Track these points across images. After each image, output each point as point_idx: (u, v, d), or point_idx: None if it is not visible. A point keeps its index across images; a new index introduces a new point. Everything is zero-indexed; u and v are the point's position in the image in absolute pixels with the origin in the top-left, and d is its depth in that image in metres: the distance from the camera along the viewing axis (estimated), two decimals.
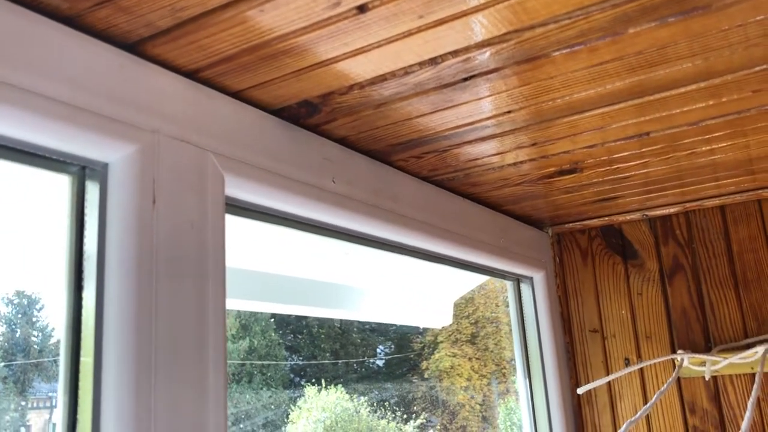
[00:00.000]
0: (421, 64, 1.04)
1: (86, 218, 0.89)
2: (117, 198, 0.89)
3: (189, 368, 0.90)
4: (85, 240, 0.89)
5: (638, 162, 1.60)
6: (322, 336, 20.79)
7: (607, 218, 2.12)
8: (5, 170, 0.99)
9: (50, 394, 17.11)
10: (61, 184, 0.90)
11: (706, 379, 1.90)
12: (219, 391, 0.94)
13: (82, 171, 0.90)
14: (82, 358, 0.86)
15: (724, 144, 1.51)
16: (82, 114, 0.84)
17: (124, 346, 0.85)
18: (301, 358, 20.73)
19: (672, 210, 2.04)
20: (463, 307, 19.16)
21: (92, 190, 0.90)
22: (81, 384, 0.85)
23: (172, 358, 0.88)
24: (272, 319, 19.72)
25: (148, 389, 0.85)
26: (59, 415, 0.86)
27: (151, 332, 0.87)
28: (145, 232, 0.89)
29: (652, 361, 1.97)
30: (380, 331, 21.75)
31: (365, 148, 1.37)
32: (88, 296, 0.87)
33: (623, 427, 1.35)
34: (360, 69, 1.03)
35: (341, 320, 20.81)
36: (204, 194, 0.98)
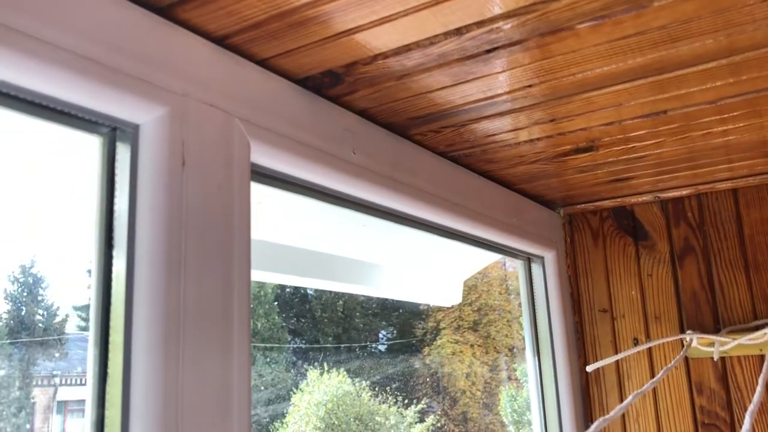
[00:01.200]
0: (446, 35, 1.05)
1: (117, 179, 0.91)
2: (147, 159, 0.90)
3: (215, 327, 0.92)
4: (116, 200, 0.90)
5: (653, 141, 1.61)
6: (325, 320, 20.88)
7: (619, 199, 2.13)
8: (37, 130, 1.01)
9: (54, 372, 17.25)
10: (92, 145, 0.91)
11: (715, 359, 1.92)
12: (243, 353, 0.96)
13: (113, 132, 0.91)
14: (112, 316, 0.88)
15: (741, 124, 1.51)
16: (115, 74, 0.86)
17: (153, 305, 0.86)
18: (303, 342, 20.83)
19: (684, 192, 2.05)
20: (466, 294, 19.21)
21: (123, 151, 0.91)
22: (111, 340, 0.87)
23: (200, 318, 0.90)
24: (276, 303, 19.81)
25: (177, 347, 0.87)
26: (89, 370, 0.89)
27: (179, 291, 0.88)
28: (175, 193, 0.90)
29: (661, 341, 1.99)
30: (383, 316, 21.83)
31: (385, 121, 1.38)
32: (118, 255, 0.89)
33: (630, 398, 1.36)
34: (386, 38, 1.04)
35: (344, 305, 20.90)
36: (230, 159, 1.00)
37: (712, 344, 1.90)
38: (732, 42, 1.12)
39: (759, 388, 1.28)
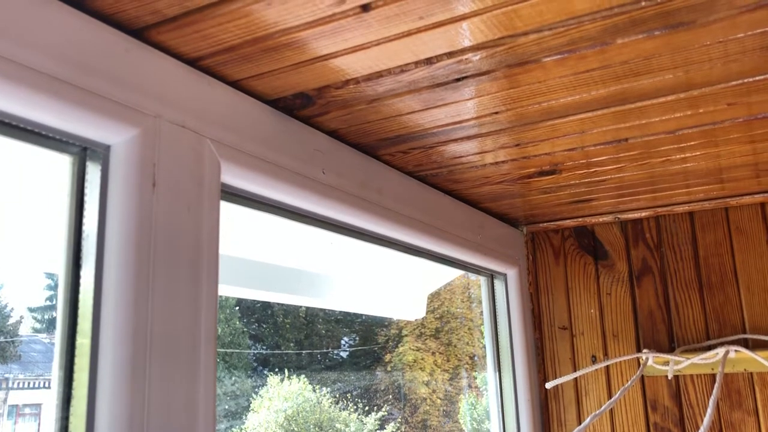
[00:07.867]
0: (417, 63, 1.07)
1: (86, 198, 0.91)
2: (118, 180, 0.91)
3: (182, 348, 0.93)
4: (85, 220, 0.90)
5: (615, 166, 1.65)
6: (287, 326, 20.77)
7: (580, 219, 2.18)
8: (8, 148, 1.00)
9: (6, 375, 16.82)
10: (62, 164, 0.91)
11: (669, 378, 1.98)
12: (209, 371, 0.97)
13: (83, 152, 0.91)
14: (78, 336, 0.88)
15: (697, 153, 1.57)
16: (87, 95, 0.86)
17: (121, 326, 0.87)
18: (264, 347, 20.68)
19: (643, 214, 2.11)
20: (429, 302, 19.26)
21: (93, 171, 0.91)
22: (77, 361, 0.87)
23: (167, 337, 0.91)
24: (237, 308, 19.63)
25: (144, 367, 0.87)
26: (53, 391, 0.88)
27: (147, 311, 0.89)
28: (145, 214, 0.91)
29: (618, 359, 2.04)
30: (345, 322, 21.80)
31: (354, 142, 1.40)
32: (86, 275, 0.89)
33: (587, 420, 1.40)
34: (357, 65, 1.06)
35: (306, 310, 20.83)
36: (201, 180, 1.01)
37: (667, 363, 1.96)
38: (690, 78, 1.17)
39: (710, 410, 1.33)
